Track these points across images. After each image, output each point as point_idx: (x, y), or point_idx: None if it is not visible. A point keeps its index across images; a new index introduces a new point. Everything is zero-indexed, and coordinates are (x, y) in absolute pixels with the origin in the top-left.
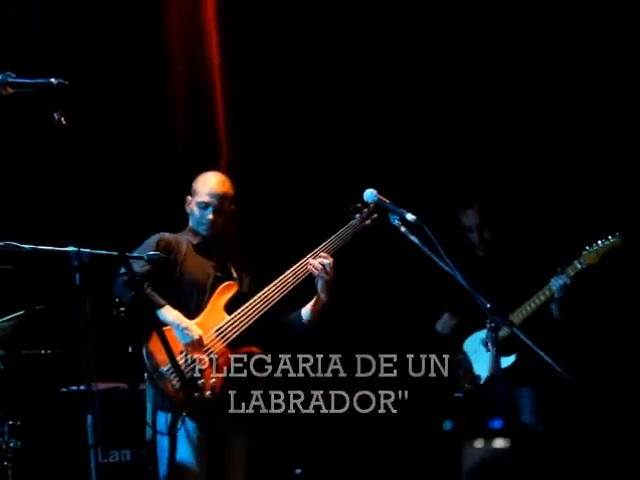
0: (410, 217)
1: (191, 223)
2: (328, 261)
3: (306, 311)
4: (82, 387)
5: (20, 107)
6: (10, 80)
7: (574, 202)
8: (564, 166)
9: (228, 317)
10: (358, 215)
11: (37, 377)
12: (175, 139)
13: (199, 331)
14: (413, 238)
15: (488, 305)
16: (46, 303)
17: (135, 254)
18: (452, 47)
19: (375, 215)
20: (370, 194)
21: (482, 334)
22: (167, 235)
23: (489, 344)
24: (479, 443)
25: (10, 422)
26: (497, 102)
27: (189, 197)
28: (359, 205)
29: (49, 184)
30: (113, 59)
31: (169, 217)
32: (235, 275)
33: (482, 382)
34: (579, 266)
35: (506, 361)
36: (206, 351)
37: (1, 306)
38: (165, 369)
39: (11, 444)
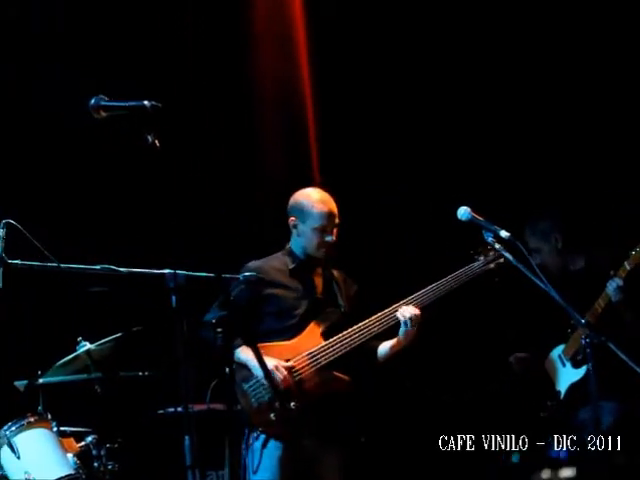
0: (504, 234)
1: (295, 246)
2: (414, 312)
3: (383, 348)
4: (179, 409)
5: (113, 129)
6: (103, 103)
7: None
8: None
9: (324, 342)
10: (482, 258)
11: (134, 399)
12: (266, 156)
13: (272, 361)
14: (507, 255)
15: (583, 321)
16: (143, 325)
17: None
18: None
19: (501, 260)
20: (464, 212)
21: (558, 350)
22: (252, 265)
23: (574, 358)
24: (546, 474)
25: (108, 445)
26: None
27: (293, 219)
28: (488, 247)
29: (144, 206)
30: (200, 74)
31: (263, 234)
32: (340, 299)
33: (562, 397)
34: (628, 267)
35: (576, 374)
36: (293, 373)
37: (99, 328)
38: (247, 386)
39: (109, 466)
